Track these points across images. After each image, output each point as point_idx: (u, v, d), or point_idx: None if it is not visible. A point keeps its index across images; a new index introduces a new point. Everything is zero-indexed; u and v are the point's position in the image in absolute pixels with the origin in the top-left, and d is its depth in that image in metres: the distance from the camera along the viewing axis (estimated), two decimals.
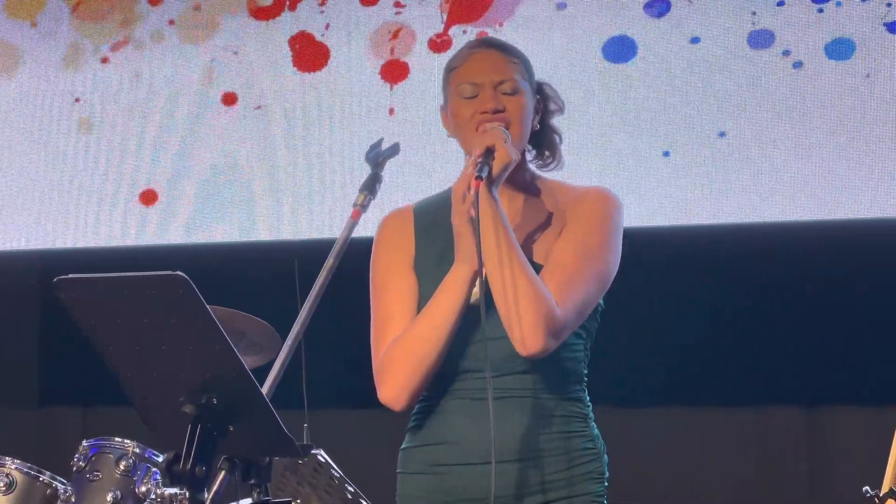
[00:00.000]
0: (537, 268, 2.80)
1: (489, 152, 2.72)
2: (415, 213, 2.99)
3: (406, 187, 5.11)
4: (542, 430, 2.82)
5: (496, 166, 2.71)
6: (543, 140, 2.96)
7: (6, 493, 4.01)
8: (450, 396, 2.87)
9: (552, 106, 2.96)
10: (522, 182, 2.92)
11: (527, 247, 2.85)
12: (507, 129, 2.82)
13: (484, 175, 2.69)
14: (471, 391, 2.84)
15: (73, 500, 4.00)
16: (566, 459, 2.82)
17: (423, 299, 2.86)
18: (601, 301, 2.89)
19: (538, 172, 2.98)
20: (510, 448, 2.81)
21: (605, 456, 2.91)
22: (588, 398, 2.90)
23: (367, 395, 5.87)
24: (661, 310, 5.16)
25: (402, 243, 2.94)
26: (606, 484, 2.90)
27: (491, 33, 5.21)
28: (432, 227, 2.94)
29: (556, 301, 2.73)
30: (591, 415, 2.90)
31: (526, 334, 2.71)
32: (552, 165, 2.98)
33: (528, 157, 2.97)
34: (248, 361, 2.30)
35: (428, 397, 2.89)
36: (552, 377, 2.82)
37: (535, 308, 2.70)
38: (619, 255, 2.87)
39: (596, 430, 2.90)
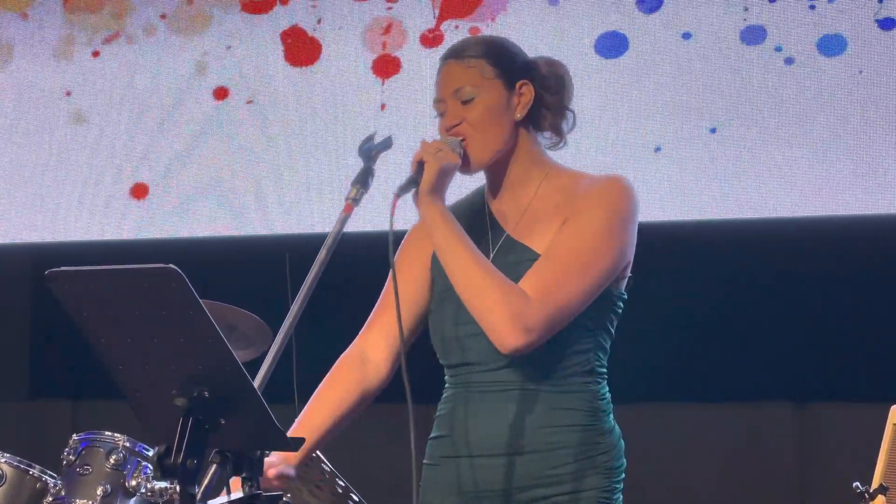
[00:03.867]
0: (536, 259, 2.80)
1: (420, 167, 2.77)
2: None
3: (398, 182, 5.10)
4: (545, 423, 2.81)
5: (426, 174, 2.75)
6: (543, 122, 2.93)
7: None
8: (458, 388, 2.89)
9: (549, 84, 2.92)
10: (529, 173, 2.91)
11: (530, 238, 2.85)
12: (469, 137, 2.85)
13: (407, 192, 2.74)
14: (474, 384, 2.86)
15: (63, 493, 3.98)
16: (570, 453, 2.80)
17: (436, 295, 2.93)
18: (620, 291, 2.87)
19: (553, 161, 2.95)
20: (510, 441, 2.81)
21: (621, 450, 2.87)
22: (604, 391, 2.86)
23: None
24: (650, 305, 5.15)
25: (423, 244, 2.96)
26: (621, 476, 2.86)
27: (483, 28, 5.21)
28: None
29: (533, 295, 2.72)
30: (607, 408, 2.86)
31: (497, 333, 2.72)
32: (560, 144, 2.95)
33: (543, 142, 2.95)
34: (239, 355, 2.30)
35: (447, 388, 2.92)
36: (555, 370, 2.81)
37: (500, 306, 2.70)
38: (627, 244, 2.85)
39: (609, 425, 2.86)
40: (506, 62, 2.89)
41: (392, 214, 2.70)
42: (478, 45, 2.93)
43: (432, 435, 2.95)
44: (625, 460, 2.89)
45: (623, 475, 2.88)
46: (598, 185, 2.87)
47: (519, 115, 2.88)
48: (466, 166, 2.87)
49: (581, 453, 2.81)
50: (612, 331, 2.90)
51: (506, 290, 2.71)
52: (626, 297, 2.91)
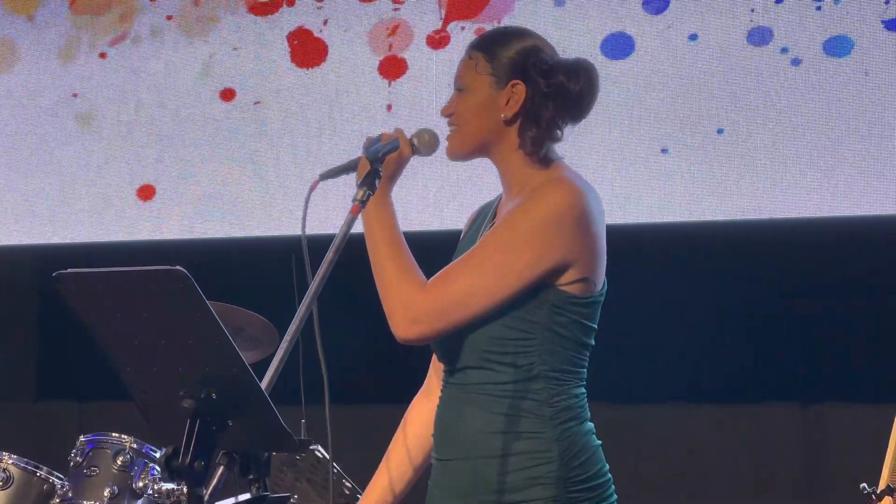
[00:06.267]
0: None
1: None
2: (480, 209, 3.06)
3: (404, 182, 5.10)
4: (490, 428, 2.77)
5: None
6: (525, 129, 2.86)
7: (3, 487, 4.01)
8: (442, 388, 2.91)
9: (540, 90, 2.85)
10: (518, 173, 2.88)
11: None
12: (455, 127, 2.88)
13: (334, 177, 2.79)
14: (445, 385, 2.87)
15: (71, 495, 4.00)
16: (516, 461, 2.75)
17: None
18: (572, 295, 2.77)
19: (550, 161, 2.88)
20: (458, 446, 2.81)
21: (580, 459, 2.78)
22: (560, 398, 2.78)
23: (365, 391, 5.86)
24: (658, 306, 5.16)
25: (461, 238, 3.02)
26: (587, 486, 2.77)
27: (488, 29, 5.21)
28: (475, 220, 3.01)
29: (428, 287, 2.73)
30: (560, 416, 2.77)
31: (390, 321, 2.75)
32: (527, 150, 2.88)
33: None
34: (246, 356, 2.30)
35: None
36: (497, 372, 2.77)
37: (391, 293, 2.73)
38: (555, 247, 2.73)
39: (564, 433, 2.76)
40: (502, 59, 2.86)
41: (310, 192, 2.73)
42: (487, 38, 2.93)
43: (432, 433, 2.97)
44: (599, 468, 2.81)
45: (592, 484, 2.79)
46: (541, 188, 2.79)
47: (504, 115, 2.85)
48: (448, 155, 2.92)
49: (527, 461, 2.75)
50: (573, 335, 2.80)
51: (403, 280, 2.74)
52: (590, 302, 2.81)
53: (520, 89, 2.85)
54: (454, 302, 2.72)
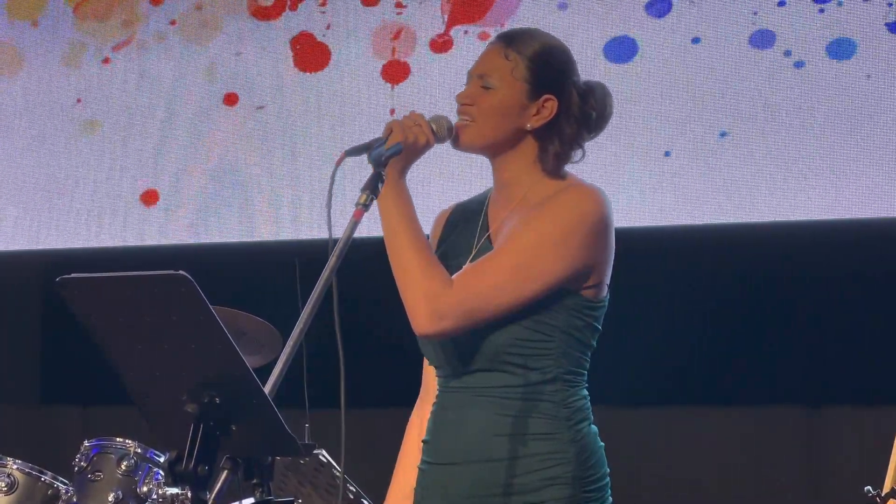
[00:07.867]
0: None
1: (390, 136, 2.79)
2: (452, 210, 3.04)
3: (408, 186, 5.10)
4: (503, 431, 2.77)
5: (388, 145, 2.77)
6: (549, 144, 2.87)
7: (8, 493, 4.02)
8: (438, 392, 2.91)
9: (572, 112, 2.87)
10: (522, 179, 2.89)
11: (496, 238, 2.86)
12: (472, 119, 2.86)
13: (357, 155, 2.78)
14: (446, 389, 2.87)
15: (75, 500, 4.00)
16: (532, 462, 2.76)
17: None
18: (587, 299, 2.81)
19: (561, 172, 2.89)
20: (462, 450, 2.80)
21: (594, 459, 2.82)
22: (574, 399, 2.81)
23: (369, 395, 5.86)
24: (661, 309, 5.16)
25: (433, 238, 3.00)
26: (598, 486, 2.80)
27: (492, 34, 5.22)
28: (455, 222, 2.99)
29: (455, 283, 2.72)
30: (575, 417, 2.81)
31: (411, 314, 2.73)
32: (548, 165, 2.89)
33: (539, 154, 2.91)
34: (249, 361, 2.30)
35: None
36: (514, 375, 2.78)
37: (418, 287, 2.71)
38: (581, 254, 2.77)
39: (578, 434, 2.80)
40: (542, 71, 2.86)
41: (336, 168, 2.74)
42: (527, 42, 2.88)
43: (423, 438, 2.96)
44: (605, 469, 2.84)
45: (601, 484, 2.82)
46: (565, 193, 2.81)
47: (530, 125, 2.85)
48: (457, 143, 2.89)
49: (543, 462, 2.76)
50: (584, 338, 2.83)
51: (428, 274, 2.72)
52: (600, 306, 2.85)
53: (551, 105, 2.86)
54: (481, 301, 2.72)
